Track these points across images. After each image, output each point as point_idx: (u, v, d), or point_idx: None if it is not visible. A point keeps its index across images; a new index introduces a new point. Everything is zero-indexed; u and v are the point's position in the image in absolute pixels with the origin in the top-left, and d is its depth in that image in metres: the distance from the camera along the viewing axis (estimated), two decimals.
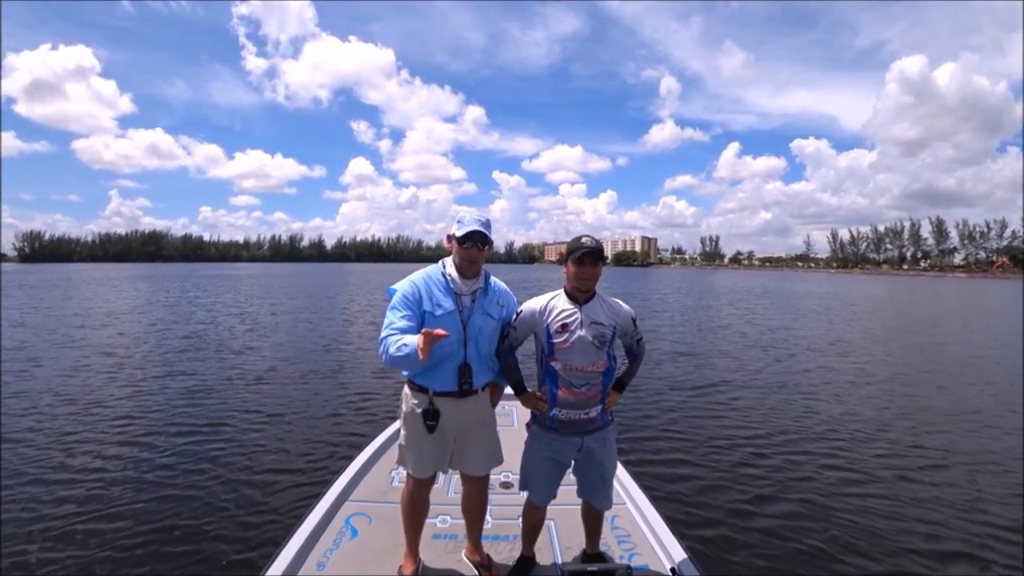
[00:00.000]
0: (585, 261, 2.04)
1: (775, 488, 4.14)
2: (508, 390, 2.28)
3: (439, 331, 1.78)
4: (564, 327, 2.07)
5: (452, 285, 2.07)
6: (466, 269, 2.07)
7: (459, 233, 2.02)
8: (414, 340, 1.83)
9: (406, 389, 2.13)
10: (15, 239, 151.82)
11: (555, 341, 2.08)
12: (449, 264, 2.12)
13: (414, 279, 2.08)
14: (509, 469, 3.03)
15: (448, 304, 2.04)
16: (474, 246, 2.04)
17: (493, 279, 2.19)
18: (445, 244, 2.13)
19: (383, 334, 1.98)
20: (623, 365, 2.28)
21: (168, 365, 8.59)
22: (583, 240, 2.06)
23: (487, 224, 2.07)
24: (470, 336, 2.05)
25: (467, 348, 2.04)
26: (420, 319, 2.02)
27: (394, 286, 2.09)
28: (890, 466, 4.64)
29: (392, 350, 1.90)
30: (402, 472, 2.37)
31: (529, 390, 2.21)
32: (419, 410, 2.04)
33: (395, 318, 1.99)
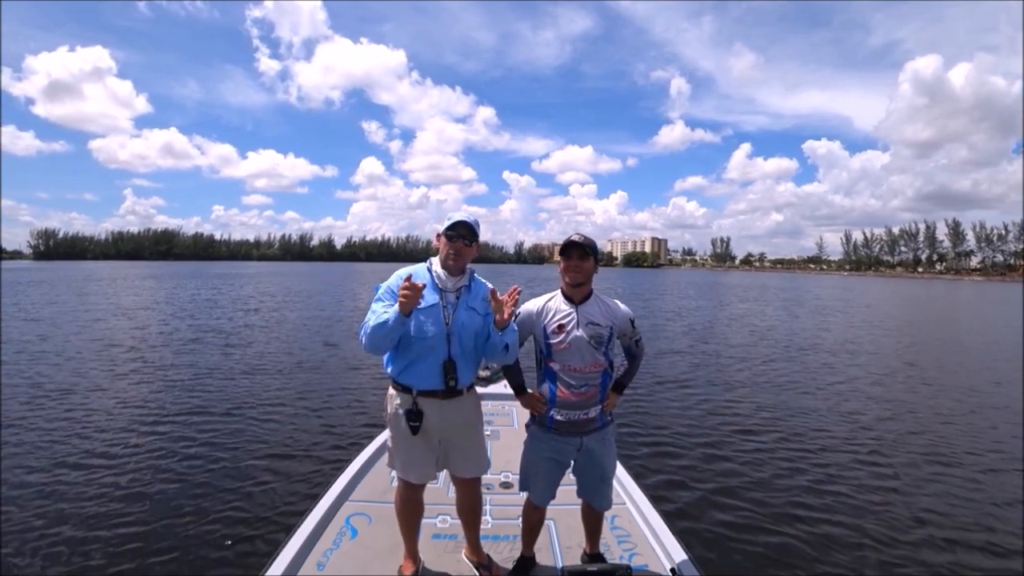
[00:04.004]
0: (572, 254, 2.05)
1: (776, 488, 4.10)
2: (508, 390, 2.28)
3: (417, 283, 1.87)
4: (560, 328, 2.07)
5: (438, 281, 2.09)
6: (451, 263, 2.07)
7: (445, 224, 2.05)
8: (394, 307, 1.89)
9: (390, 390, 2.14)
10: (30, 237, 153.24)
11: (552, 342, 2.08)
12: (436, 262, 2.14)
13: (400, 274, 2.10)
14: (509, 469, 3.04)
15: (432, 298, 2.05)
16: (460, 239, 2.05)
17: (478, 277, 2.20)
18: (434, 242, 2.15)
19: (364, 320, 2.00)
20: (622, 366, 2.27)
21: (170, 361, 8.68)
22: (572, 237, 2.08)
23: (475, 221, 2.09)
24: (454, 331, 2.05)
25: (451, 344, 2.04)
26: None
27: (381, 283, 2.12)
28: (892, 467, 4.58)
29: (372, 321, 1.93)
30: None
31: (529, 391, 2.20)
32: (402, 411, 2.05)
33: (379, 308, 2.00)
